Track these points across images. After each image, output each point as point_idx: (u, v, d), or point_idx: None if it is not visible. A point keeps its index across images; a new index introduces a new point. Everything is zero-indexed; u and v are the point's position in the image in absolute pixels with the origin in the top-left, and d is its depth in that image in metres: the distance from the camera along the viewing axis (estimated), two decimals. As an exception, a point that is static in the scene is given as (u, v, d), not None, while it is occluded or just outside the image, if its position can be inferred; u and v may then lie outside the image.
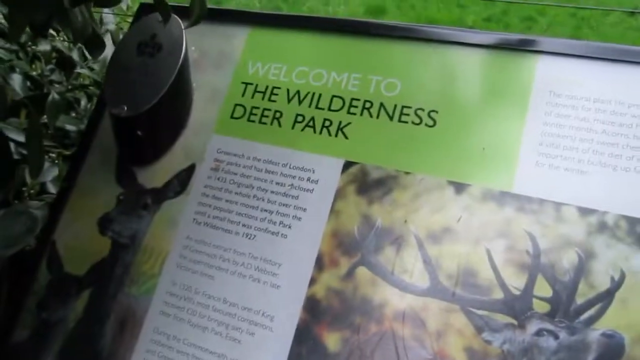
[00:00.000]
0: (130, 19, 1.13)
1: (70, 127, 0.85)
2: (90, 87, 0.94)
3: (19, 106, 0.80)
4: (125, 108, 0.59)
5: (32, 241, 0.66)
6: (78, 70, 0.90)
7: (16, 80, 0.84)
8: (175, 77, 0.59)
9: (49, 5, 0.35)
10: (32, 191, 0.75)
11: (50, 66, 0.96)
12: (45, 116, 0.81)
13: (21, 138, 0.75)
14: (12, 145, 0.74)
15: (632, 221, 0.47)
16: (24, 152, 0.76)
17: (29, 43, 0.95)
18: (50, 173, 0.75)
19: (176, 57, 0.60)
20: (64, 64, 0.98)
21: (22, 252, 0.66)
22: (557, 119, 0.52)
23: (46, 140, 0.82)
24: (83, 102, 0.98)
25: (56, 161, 0.82)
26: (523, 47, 0.55)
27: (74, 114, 0.97)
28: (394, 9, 3.49)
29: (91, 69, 0.95)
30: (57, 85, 0.97)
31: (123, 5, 1.17)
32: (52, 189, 0.75)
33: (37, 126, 0.65)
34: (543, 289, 0.47)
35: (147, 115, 0.59)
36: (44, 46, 0.95)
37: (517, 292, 0.48)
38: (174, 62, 0.60)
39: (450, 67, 0.57)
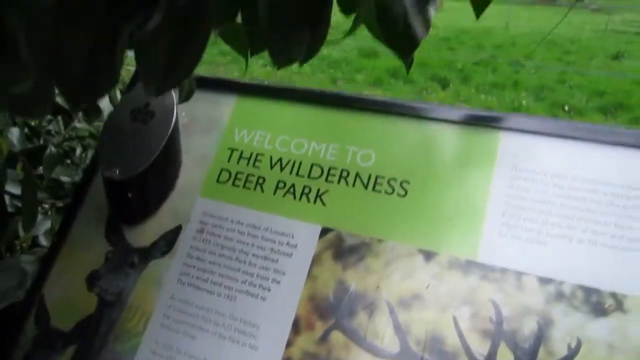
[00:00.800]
0: (129, 67, 1.18)
1: (64, 179, 0.88)
2: (87, 139, 0.98)
3: (16, 158, 0.84)
4: (118, 171, 0.63)
5: (21, 295, 0.69)
6: (75, 124, 0.94)
7: (14, 133, 0.88)
8: (165, 144, 0.63)
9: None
10: (24, 244, 0.77)
11: (48, 117, 1.01)
12: (41, 167, 0.85)
13: (16, 190, 0.78)
14: (7, 197, 0.77)
15: (587, 291, 0.51)
16: (18, 204, 0.79)
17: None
18: (43, 226, 0.78)
19: (167, 124, 0.64)
20: (62, 113, 1.03)
21: (11, 304, 0.68)
22: (519, 192, 0.56)
23: (40, 192, 0.85)
24: (78, 150, 1.02)
25: (49, 212, 0.85)
26: (487, 124, 0.60)
27: (69, 161, 1.01)
28: (386, 53, 3.61)
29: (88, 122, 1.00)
30: (54, 134, 1.01)
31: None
32: (44, 241, 0.77)
33: (32, 181, 0.68)
34: (505, 355, 0.50)
35: (138, 178, 0.63)
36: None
37: (481, 358, 0.50)
38: (165, 129, 0.64)
39: (422, 140, 0.61)
